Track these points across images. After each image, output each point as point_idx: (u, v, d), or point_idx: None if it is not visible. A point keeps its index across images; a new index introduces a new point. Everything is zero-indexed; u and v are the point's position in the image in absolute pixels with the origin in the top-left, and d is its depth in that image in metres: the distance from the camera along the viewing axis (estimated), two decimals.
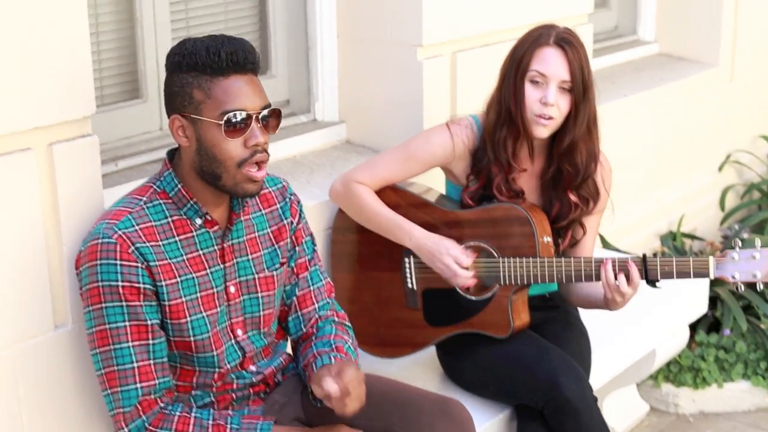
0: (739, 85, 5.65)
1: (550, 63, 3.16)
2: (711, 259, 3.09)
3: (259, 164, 2.61)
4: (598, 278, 3.15)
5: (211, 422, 2.62)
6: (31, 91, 2.61)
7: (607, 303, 3.20)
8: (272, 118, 2.63)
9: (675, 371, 4.61)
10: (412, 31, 3.77)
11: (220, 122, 2.55)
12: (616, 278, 3.10)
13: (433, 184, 3.50)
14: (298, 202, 2.94)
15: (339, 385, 2.55)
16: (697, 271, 3.10)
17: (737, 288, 3.13)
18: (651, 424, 4.56)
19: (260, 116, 2.59)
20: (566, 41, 3.17)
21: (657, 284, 3.18)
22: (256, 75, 2.63)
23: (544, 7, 4.12)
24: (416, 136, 3.41)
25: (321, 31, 3.91)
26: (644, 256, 3.14)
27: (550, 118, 3.17)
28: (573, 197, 3.30)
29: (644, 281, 3.15)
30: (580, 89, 3.17)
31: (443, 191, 3.48)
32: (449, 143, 3.30)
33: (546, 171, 3.32)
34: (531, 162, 3.31)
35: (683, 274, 3.11)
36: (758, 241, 3.13)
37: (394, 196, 3.36)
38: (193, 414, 2.63)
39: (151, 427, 2.60)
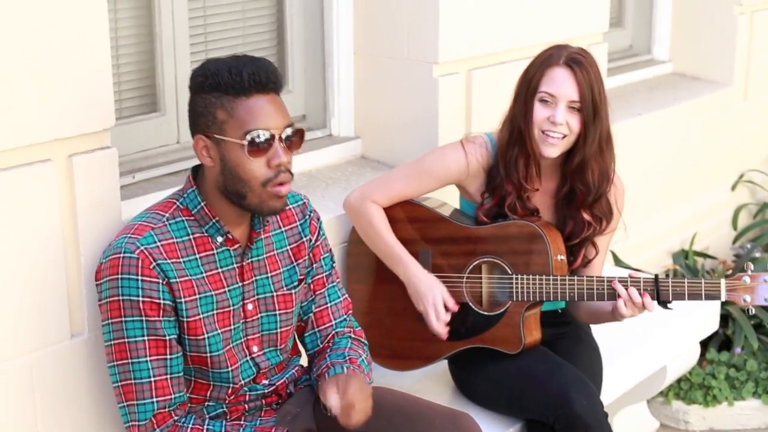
0: (753, 105, 5.69)
1: (559, 83, 3.19)
2: (722, 282, 3.12)
3: (283, 183, 2.63)
4: (610, 297, 3.18)
5: None
6: (51, 104, 2.65)
7: (614, 316, 3.24)
8: (295, 138, 2.65)
9: (686, 388, 4.64)
10: (428, 49, 3.81)
11: (243, 142, 2.56)
12: (631, 298, 3.14)
13: (447, 200, 3.54)
14: (318, 219, 2.96)
15: (342, 401, 2.59)
16: (709, 294, 3.14)
17: (748, 310, 3.18)
18: None
19: (283, 135, 2.60)
20: (576, 61, 3.19)
21: (669, 305, 3.21)
22: (278, 95, 2.64)
23: (558, 26, 4.17)
24: (431, 152, 3.44)
25: (338, 48, 3.95)
26: (656, 277, 3.17)
27: (564, 136, 3.20)
28: (586, 216, 3.32)
29: (656, 302, 3.18)
30: (590, 109, 3.19)
31: (458, 206, 3.52)
32: (464, 161, 3.33)
33: (559, 190, 3.35)
34: (540, 182, 3.33)
35: (694, 296, 3.15)
36: None
37: (410, 210, 3.40)
38: (205, 426, 2.66)
39: None
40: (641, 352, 3.88)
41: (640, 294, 3.14)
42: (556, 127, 3.19)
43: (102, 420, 2.91)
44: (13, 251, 2.65)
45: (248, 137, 2.56)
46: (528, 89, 3.23)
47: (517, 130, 3.26)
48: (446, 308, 3.27)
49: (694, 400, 4.62)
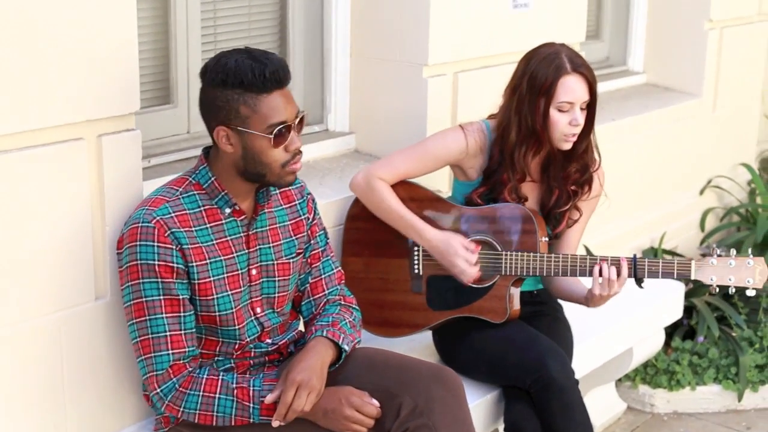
0: (721, 115, 5.92)
1: (576, 91, 3.48)
2: (693, 262, 3.43)
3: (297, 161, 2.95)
4: (590, 273, 3.47)
5: (235, 385, 2.92)
6: (85, 89, 2.91)
7: (587, 300, 3.55)
8: (302, 121, 2.96)
9: (651, 373, 4.86)
10: (419, 52, 4.05)
11: (269, 135, 2.86)
12: (608, 273, 3.43)
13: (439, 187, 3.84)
14: (313, 200, 3.25)
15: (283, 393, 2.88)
16: (680, 272, 3.44)
17: (712, 290, 3.47)
18: (628, 421, 4.79)
19: (296, 123, 2.91)
20: (581, 65, 3.50)
21: (642, 284, 3.51)
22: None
23: (539, 35, 4.28)
24: (432, 135, 3.73)
25: (335, 49, 4.19)
26: (634, 256, 3.47)
27: (575, 134, 3.53)
28: (573, 187, 3.65)
29: (633, 280, 3.47)
30: (595, 101, 3.54)
31: (450, 192, 3.83)
32: (463, 142, 3.61)
33: (545, 169, 3.64)
34: (540, 170, 3.65)
35: (668, 274, 3.45)
36: (733, 251, 3.46)
37: (410, 190, 3.65)
38: (219, 377, 2.93)
39: (181, 389, 2.90)
40: (609, 333, 4.13)
41: (617, 272, 3.43)
42: (577, 128, 3.51)
43: (119, 372, 3.16)
44: (47, 220, 2.90)
45: (274, 131, 2.86)
46: (543, 96, 3.48)
47: (527, 130, 3.53)
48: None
49: (659, 384, 4.82)
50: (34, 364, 2.97)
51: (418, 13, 4.03)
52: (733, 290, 3.48)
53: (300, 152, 2.95)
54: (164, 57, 3.78)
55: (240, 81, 2.83)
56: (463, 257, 3.49)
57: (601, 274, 3.44)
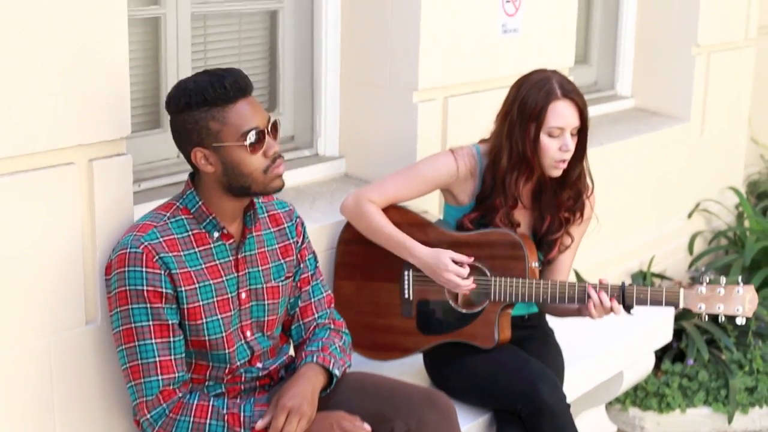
0: (709, 139, 5.95)
1: (566, 116, 3.48)
2: (681, 291, 3.42)
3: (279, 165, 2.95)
4: (580, 300, 3.47)
5: (226, 411, 2.91)
6: (77, 113, 2.91)
7: (581, 313, 3.53)
8: (276, 127, 2.97)
9: (641, 396, 4.87)
10: (409, 77, 4.07)
11: (243, 143, 2.87)
12: (601, 302, 3.43)
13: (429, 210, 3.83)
14: (302, 224, 3.26)
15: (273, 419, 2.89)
16: (669, 301, 3.43)
17: (701, 318, 3.46)
18: None
19: (269, 128, 2.92)
20: (572, 91, 3.49)
21: (631, 311, 3.50)
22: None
23: (528, 60, 4.40)
24: (423, 159, 3.74)
25: (326, 74, 4.21)
26: (623, 283, 3.47)
27: (565, 160, 3.53)
28: (566, 214, 3.64)
29: (621, 306, 3.46)
30: (586, 127, 3.54)
31: (440, 217, 3.81)
32: (453, 165, 3.61)
33: (537, 195, 3.64)
34: (532, 197, 3.65)
35: (656, 302, 3.44)
36: (723, 279, 3.45)
37: (401, 215, 3.65)
38: (210, 403, 2.92)
39: (171, 414, 2.89)
40: (600, 357, 4.14)
41: (608, 298, 3.43)
42: (567, 154, 3.50)
43: (109, 396, 3.14)
44: (38, 244, 2.89)
45: (247, 137, 2.87)
46: (534, 122, 3.48)
47: (518, 156, 3.53)
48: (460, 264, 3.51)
49: (649, 406, 4.84)
50: (24, 389, 2.95)
51: (408, 38, 4.05)
52: (723, 318, 3.47)
53: (280, 156, 2.96)
54: (154, 81, 3.79)
55: (203, 98, 2.86)
56: (453, 272, 3.49)
57: (593, 304, 3.44)
